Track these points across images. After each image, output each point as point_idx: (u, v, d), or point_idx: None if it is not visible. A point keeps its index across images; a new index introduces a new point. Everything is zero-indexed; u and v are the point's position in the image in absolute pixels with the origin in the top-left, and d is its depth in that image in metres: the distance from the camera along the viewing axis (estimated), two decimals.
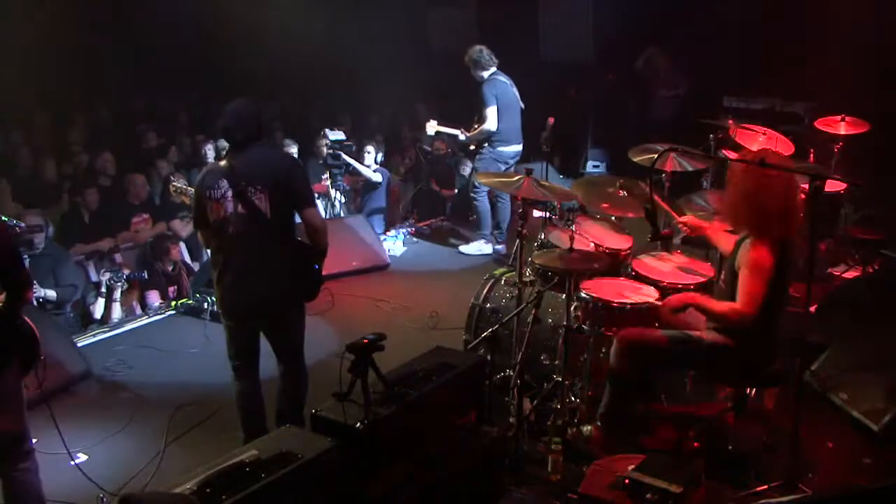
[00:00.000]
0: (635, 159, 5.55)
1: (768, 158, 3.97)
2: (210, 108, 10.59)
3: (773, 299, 4.03)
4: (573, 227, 4.93)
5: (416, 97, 11.85)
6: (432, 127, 8.15)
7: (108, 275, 6.81)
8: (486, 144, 7.71)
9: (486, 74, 7.63)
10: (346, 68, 11.22)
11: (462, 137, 7.97)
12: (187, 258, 7.77)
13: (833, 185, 6.25)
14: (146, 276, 7.19)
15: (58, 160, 8.92)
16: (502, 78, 7.71)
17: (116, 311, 6.81)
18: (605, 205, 5.32)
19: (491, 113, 7.53)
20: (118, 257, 7.37)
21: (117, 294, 6.80)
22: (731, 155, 5.74)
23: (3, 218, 6.11)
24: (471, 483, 3.85)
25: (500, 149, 7.65)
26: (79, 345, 5.93)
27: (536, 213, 6.20)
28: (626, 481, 3.59)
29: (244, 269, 4.23)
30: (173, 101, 11.33)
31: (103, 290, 6.80)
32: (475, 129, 7.72)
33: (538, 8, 11.75)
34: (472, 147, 7.89)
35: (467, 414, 4.00)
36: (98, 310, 6.82)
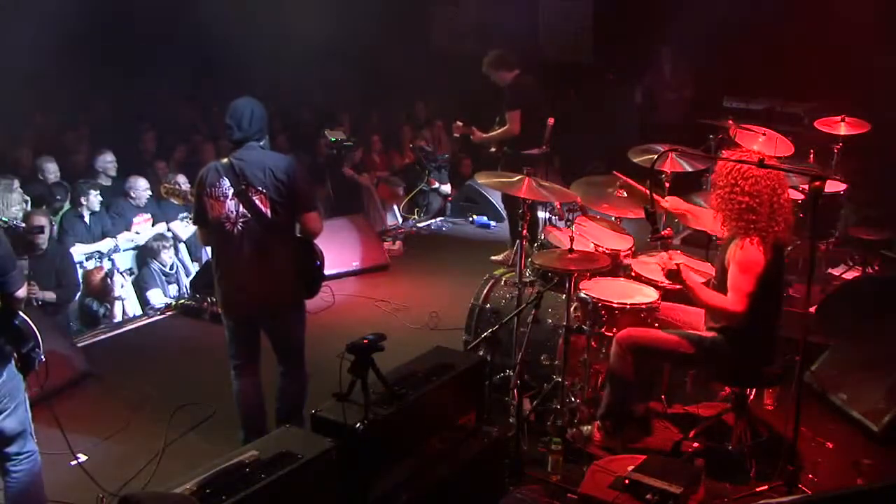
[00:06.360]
0: (635, 160, 5.55)
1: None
2: (209, 108, 10.58)
3: (767, 299, 4.03)
4: (573, 227, 4.94)
5: (416, 97, 11.85)
6: (458, 129, 7.76)
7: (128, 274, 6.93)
8: (506, 147, 7.28)
9: (510, 77, 7.25)
10: (346, 68, 11.21)
11: (473, 138, 7.59)
12: (187, 259, 7.76)
13: (833, 186, 6.25)
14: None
15: (59, 160, 8.91)
16: (528, 80, 7.32)
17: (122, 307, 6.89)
18: (605, 205, 5.33)
19: (514, 117, 7.12)
20: (116, 260, 7.37)
21: (126, 292, 6.87)
22: (730, 155, 5.74)
23: (3, 219, 6.12)
24: (471, 483, 3.85)
25: (524, 151, 7.04)
26: (79, 345, 5.93)
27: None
28: (626, 481, 3.59)
29: (244, 268, 4.22)
30: (173, 102, 11.31)
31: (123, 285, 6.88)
32: (495, 129, 7.35)
33: (538, 8, 11.76)
34: (493, 149, 7.47)
35: (467, 414, 4.00)
36: (131, 305, 6.89)
